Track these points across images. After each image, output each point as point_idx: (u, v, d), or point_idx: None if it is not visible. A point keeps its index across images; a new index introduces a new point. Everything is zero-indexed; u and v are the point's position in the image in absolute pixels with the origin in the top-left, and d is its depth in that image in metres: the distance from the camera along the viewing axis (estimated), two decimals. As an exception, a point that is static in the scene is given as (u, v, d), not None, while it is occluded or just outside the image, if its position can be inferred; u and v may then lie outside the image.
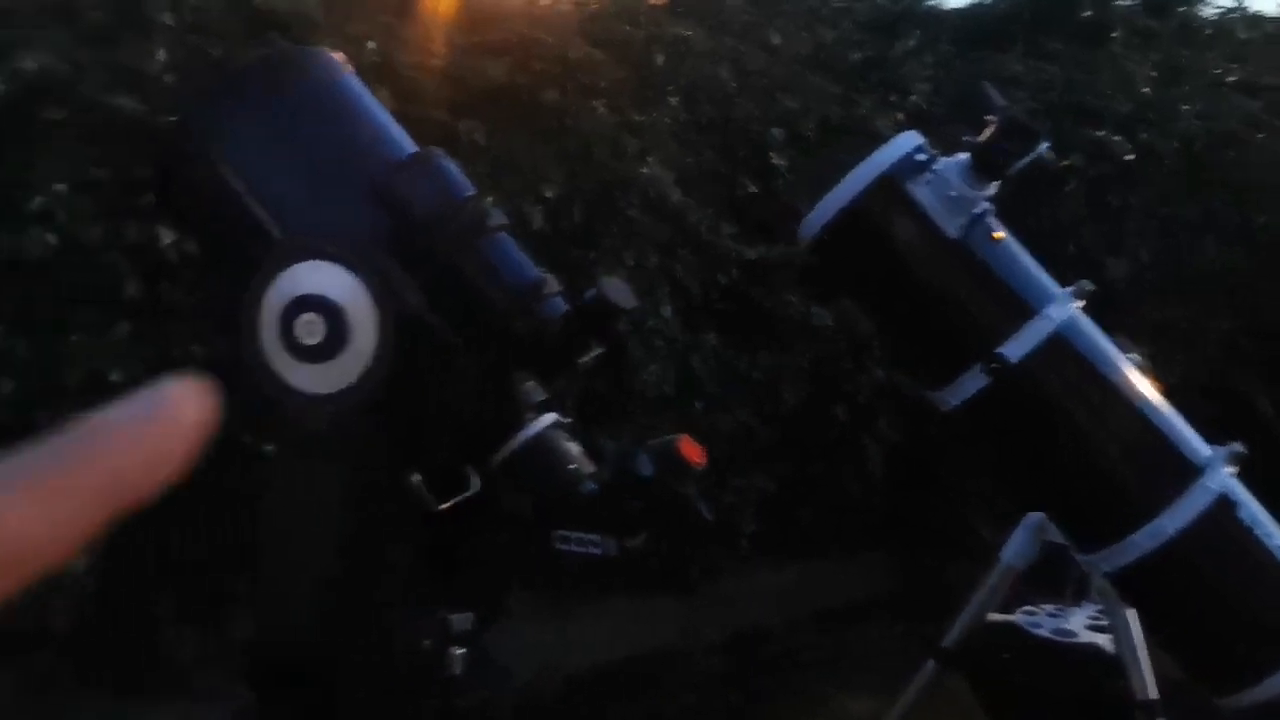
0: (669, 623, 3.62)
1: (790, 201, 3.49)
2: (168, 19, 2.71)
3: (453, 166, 1.16)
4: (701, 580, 3.60)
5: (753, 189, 3.60)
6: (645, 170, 3.31)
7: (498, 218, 1.14)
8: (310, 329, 1.07)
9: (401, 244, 1.11)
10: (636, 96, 3.47)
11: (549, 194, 3.09)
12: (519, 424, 1.17)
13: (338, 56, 1.30)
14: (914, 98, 4.00)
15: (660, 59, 3.60)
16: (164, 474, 0.22)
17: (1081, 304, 1.71)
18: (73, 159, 2.53)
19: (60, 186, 2.48)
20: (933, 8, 4.80)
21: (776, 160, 3.63)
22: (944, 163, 1.70)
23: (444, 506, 1.19)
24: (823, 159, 3.60)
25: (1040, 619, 2.14)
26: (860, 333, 3.60)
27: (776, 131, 3.67)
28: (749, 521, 3.58)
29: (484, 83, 3.14)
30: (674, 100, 3.55)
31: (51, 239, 2.46)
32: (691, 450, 1.15)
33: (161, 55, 2.66)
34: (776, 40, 4.01)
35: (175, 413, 0.23)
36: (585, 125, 3.27)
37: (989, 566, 2.16)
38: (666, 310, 3.32)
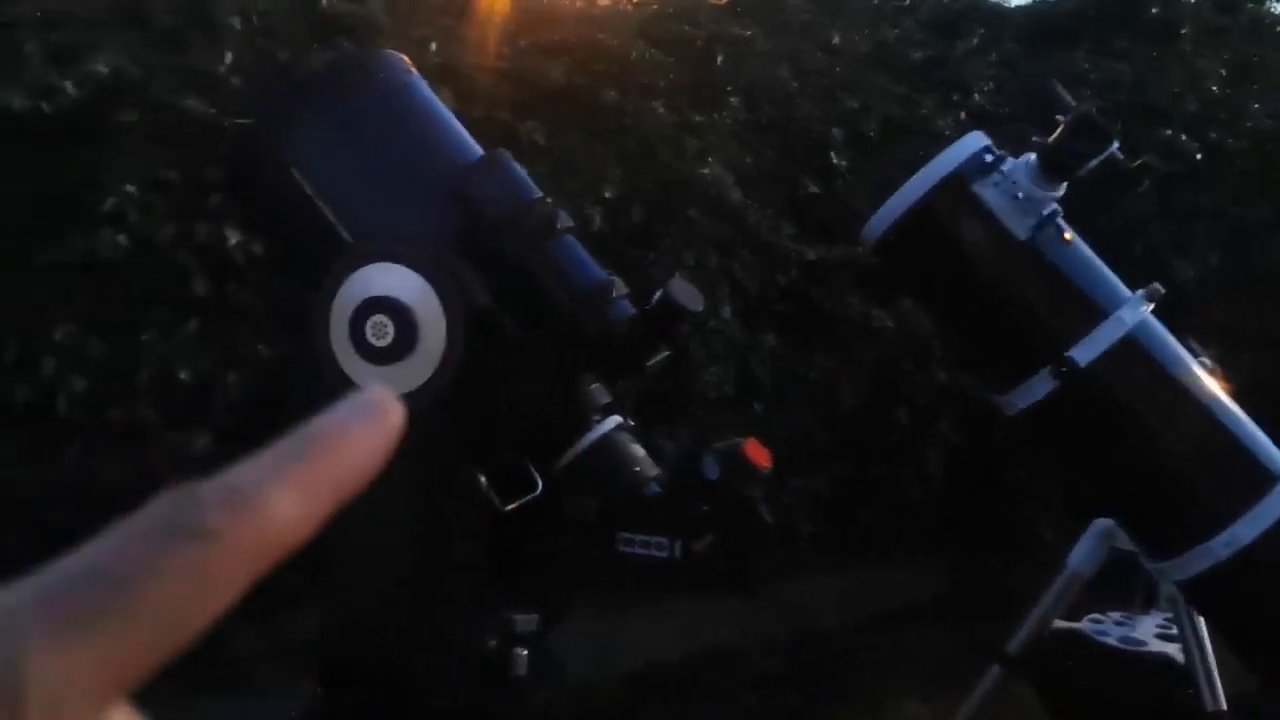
0: (728, 623, 3.61)
1: (851, 202, 3.47)
2: (236, 23, 2.75)
3: (520, 169, 1.16)
4: (761, 581, 3.59)
5: (813, 189, 3.58)
6: (705, 170, 3.31)
7: (565, 220, 1.14)
8: (380, 330, 1.08)
9: (470, 246, 1.11)
10: (696, 97, 3.47)
11: (608, 194, 3.10)
12: (584, 426, 1.17)
13: (403, 59, 1.31)
14: (977, 97, 3.96)
15: (720, 59, 3.59)
16: (375, 468, 0.26)
17: (1152, 306, 1.68)
18: (143, 160, 2.58)
19: (131, 188, 2.53)
20: (996, 6, 4.75)
21: (837, 160, 3.61)
22: (1012, 163, 1.67)
23: (510, 507, 1.20)
24: (885, 160, 3.58)
25: (1107, 627, 2.11)
26: (921, 334, 3.57)
27: (837, 131, 3.65)
28: (808, 523, 3.56)
29: (544, 84, 3.16)
30: (734, 100, 3.55)
31: (123, 240, 2.51)
32: (757, 453, 1.14)
33: (229, 58, 2.70)
34: (837, 40, 3.98)
35: (384, 416, 0.26)
36: (645, 125, 3.28)
37: (1051, 570, 2.13)
38: (726, 311, 3.31)
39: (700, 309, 1.11)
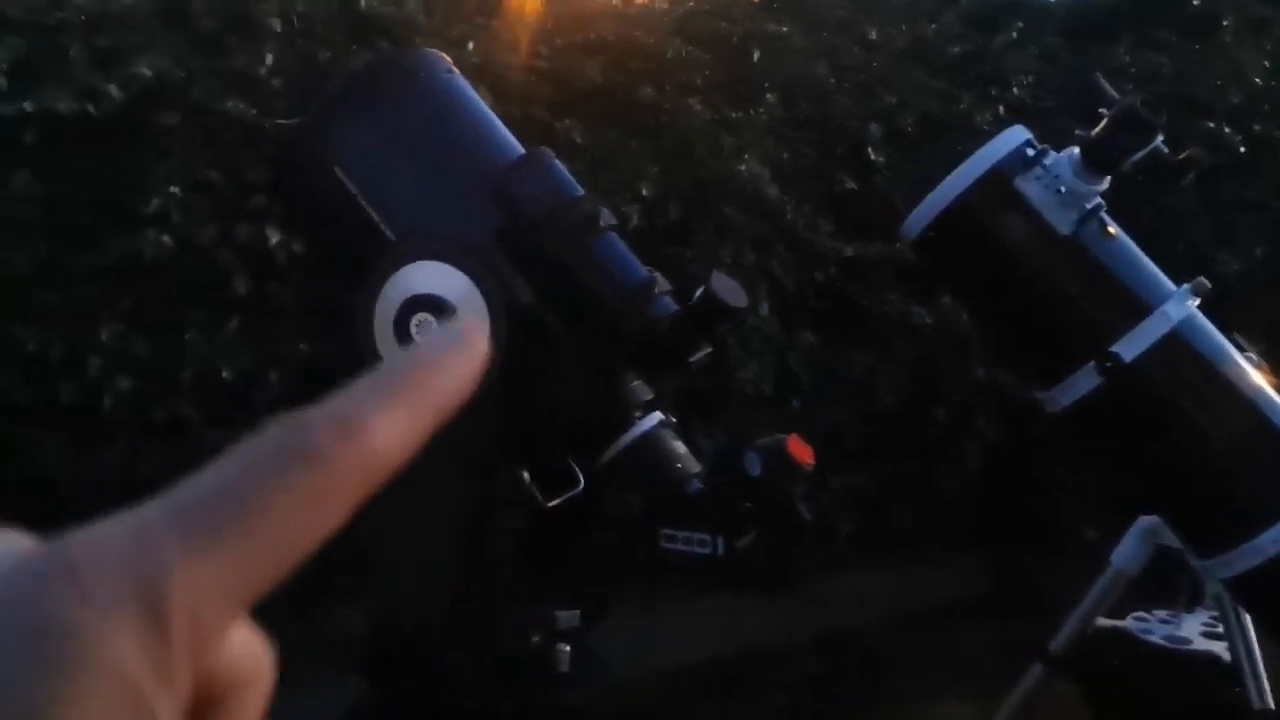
0: (764, 622, 3.60)
1: (889, 198, 3.45)
2: (275, 24, 2.77)
3: (562, 167, 1.17)
4: (797, 579, 3.58)
5: (851, 185, 3.57)
6: (742, 167, 3.30)
7: (607, 218, 1.14)
8: (424, 328, 1.09)
9: (513, 243, 1.12)
10: (733, 93, 3.46)
11: (645, 192, 3.10)
12: (626, 423, 1.17)
13: (444, 58, 1.32)
14: (1016, 91, 3.93)
15: (757, 55, 3.58)
16: (466, 391, 0.27)
17: (1198, 301, 1.66)
18: (186, 162, 2.61)
19: (174, 189, 2.56)
20: (1036, 0, 4.70)
21: (875, 157, 3.59)
22: (1054, 157, 1.66)
23: (552, 504, 1.20)
24: (924, 155, 3.55)
25: (1152, 625, 2.08)
26: (960, 331, 3.54)
27: (875, 127, 3.63)
28: (845, 521, 3.55)
29: (581, 82, 3.16)
30: (771, 97, 3.54)
31: (166, 240, 2.54)
32: (801, 450, 1.14)
33: (269, 60, 2.73)
34: (874, 35, 3.96)
35: (473, 343, 0.27)
36: (682, 123, 3.27)
37: (1092, 568, 2.11)
38: (764, 308, 3.30)
39: (743, 306, 1.10)
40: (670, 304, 1.13)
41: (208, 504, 0.23)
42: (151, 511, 0.23)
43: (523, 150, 1.22)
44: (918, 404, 3.68)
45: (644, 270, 1.15)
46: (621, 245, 1.17)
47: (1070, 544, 3.72)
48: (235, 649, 0.25)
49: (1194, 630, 2.05)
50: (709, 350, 1.13)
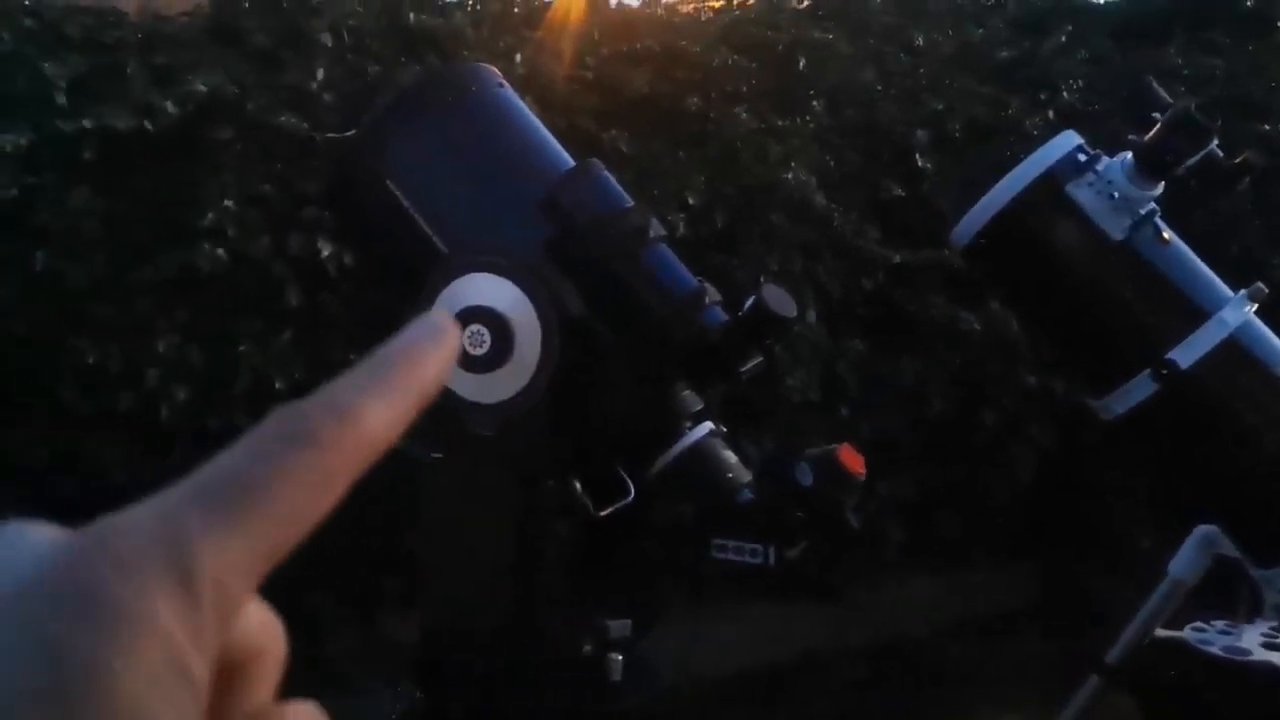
0: (813, 630, 3.59)
1: (936, 204, 3.43)
2: (327, 40, 2.81)
3: (612, 178, 1.17)
4: (846, 587, 3.56)
5: (898, 192, 3.55)
6: (788, 175, 3.30)
7: (657, 228, 1.15)
8: (477, 339, 1.10)
9: (564, 254, 1.13)
10: (779, 101, 3.46)
11: (692, 200, 3.10)
12: (677, 432, 1.18)
13: (495, 72, 1.33)
14: (1065, 95, 3.88)
15: (802, 63, 3.57)
16: (443, 379, 0.29)
17: (1255, 307, 1.63)
18: (240, 176, 2.65)
19: (229, 202, 2.60)
20: (1084, 2, 4.65)
21: (922, 163, 3.57)
22: (1107, 163, 1.64)
23: (603, 513, 1.21)
24: (971, 160, 3.52)
25: (1210, 635, 2.04)
26: (1008, 337, 3.51)
27: (922, 133, 3.61)
28: (894, 528, 3.52)
29: (628, 92, 3.17)
30: (817, 104, 3.53)
31: (221, 253, 2.58)
32: (852, 460, 1.14)
33: (321, 74, 2.77)
34: (920, 41, 3.94)
35: (446, 334, 0.30)
36: (728, 131, 3.28)
37: (1144, 576, 2.08)
38: (811, 315, 3.29)
39: (793, 315, 1.10)
40: (720, 314, 1.13)
41: (223, 486, 0.25)
42: (174, 495, 0.25)
43: (573, 162, 1.23)
44: (967, 410, 3.65)
45: (694, 280, 1.16)
46: (671, 255, 1.17)
47: (1124, 552, 3.67)
48: (251, 621, 0.27)
49: (1254, 641, 2.01)
50: (760, 360, 1.13)
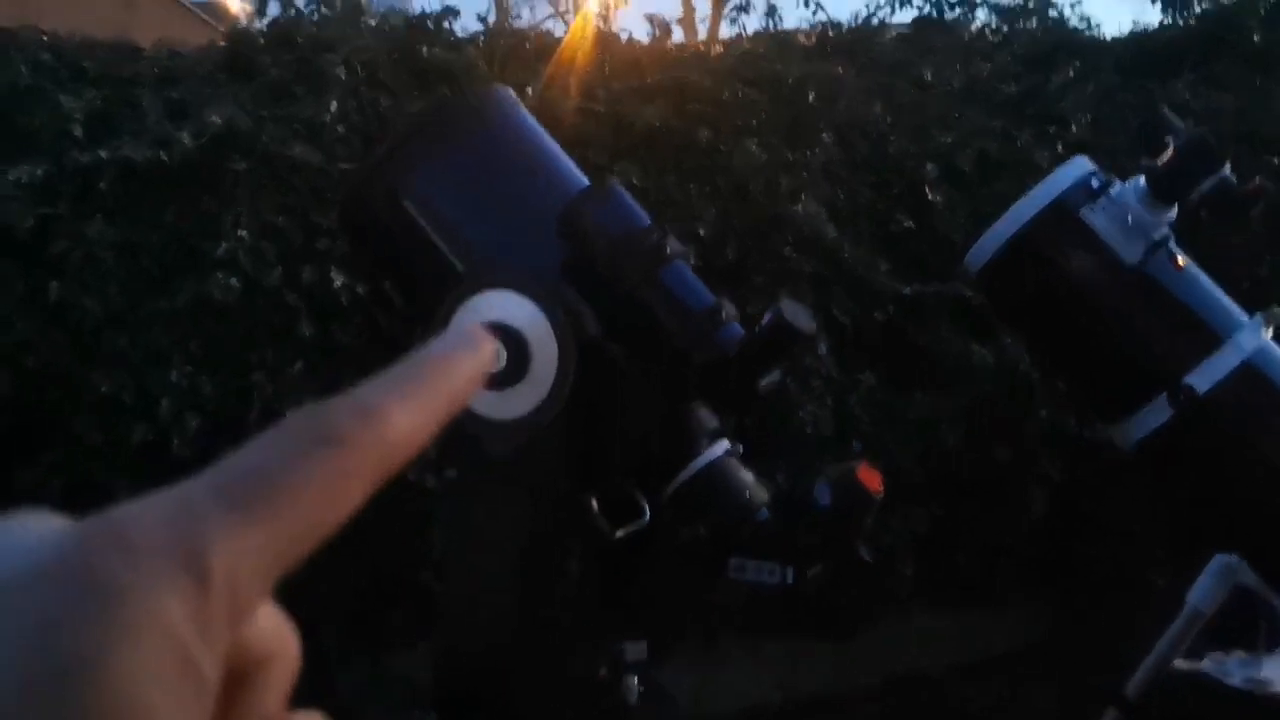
0: (824, 666, 3.55)
1: (947, 237, 3.43)
2: (340, 73, 2.84)
3: (630, 197, 1.17)
4: (858, 625, 3.53)
5: (908, 224, 3.55)
6: (799, 207, 3.30)
7: (675, 245, 1.15)
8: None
9: (581, 273, 1.13)
10: (789, 135, 3.48)
11: (703, 233, 3.11)
12: (694, 451, 1.17)
13: (511, 93, 1.34)
14: (1075, 129, 3.90)
15: (812, 97, 3.59)
16: (474, 390, 0.29)
17: (1271, 331, 1.62)
18: (253, 207, 2.67)
19: (243, 233, 2.61)
20: (1092, 38, 4.67)
21: (932, 196, 3.58)
22: (1120, 188, 1.64)
23: (619, 534, 1.20)
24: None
25: (1230, 666, 2.02)
26: (1021, 371, 3.50)
27: (931, 166, 3.62)
28: (907, 564, 3.49)
29: (639, 125, 3.19)
30: (827, 137, 3.54)
31: (234, 283, 2.59)
32: (870, 478, 1.13)
33: (334, 107, 2.79)
34: (929, 75, 3.96)
35: (480, 345, 0.30)
36: (738, 164, 3.29)
37: (1159, 614, 2.05)
38: (822, 348, 3.29)
39: (812, 330, 1.10)
40: (738, 329, 1.13)
41: (242, 482, 0.24)
42: (191, 487, 0.25)
43: (588, 183, 1.24)
44: (979, 444, 3.63)
45: (711, 296, 1.16)
46: (689, 272, 1.17)
47: (1138, 589, 3.63)
48: (263, 625, 0.26)
49: (1275, 672, 1.98)
50: (777, 377, 1.12)
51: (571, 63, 3.34)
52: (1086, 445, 3.59)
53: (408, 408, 0.26)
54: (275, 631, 0.27)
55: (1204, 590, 1.99)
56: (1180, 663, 2.04)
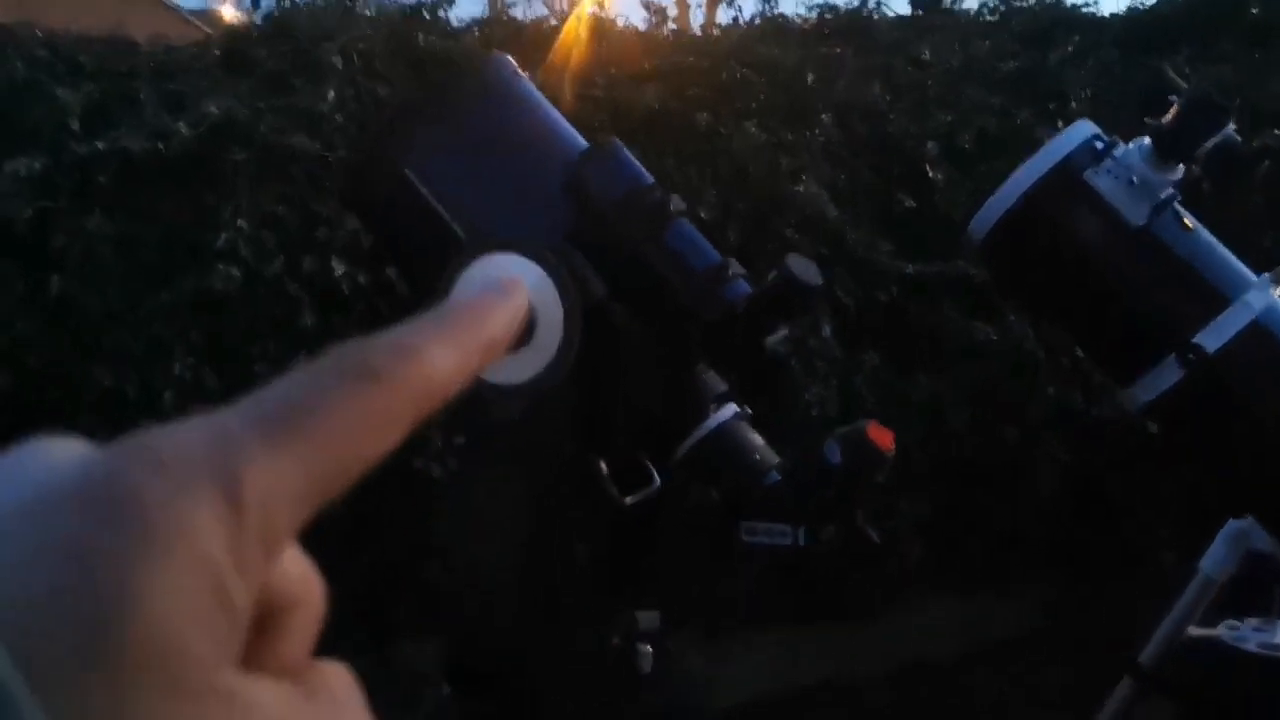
0: (832, 654, 3.54)
1: (948, 215, 3.42)
2: (338, 62, 2.83)
3: (632, 156, 1.16)
4: (865, 610, 3.52)
5: (909, 204, 3.54)
6: (800, 189, 3.29)
7: (678, 204, 1.14)
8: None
9: (585, 234, 1.12)
10: (789, 116, 3.46)
11: (704, 215, 3.10)
12: (702, 414, 1.16)
13: (510, 60, 1.33)
14: (1074, 105, 3.88)
15: (811, 78, 3.58)
16: (511, 335, 0.29)
17: (1280, 291, 1.61)
18: (253, 197, 2.66)
19: (242, 223, 2.60)
20: (1090, 14, 4.65)
21: (933, 174, 3.57)
22: (1124, 149, 1.63)
23: (629, 501, 1.19)
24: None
25: (1245, 632, 2.01)
26: (1025, 349, 3.49)
27: (932, 145, 3.61)
28: (915, 547, 3.48)
29: (638, 109, 3.18)
30: (826, 118, 3.53)
31: (235, 274, 2.58)
32: (881, 436, 1.12)
33: (331, 96, 2.78)
34: (927, 55, 3.95)
35: (517, 293, 0.30)
36: (738, 146, 3.28)
37: (1172, 592, 2.04)
38: (826, 330, 3.28)
39: (819, 284, 1.09)
40: (745, 286, 1.12)
41: (277, 411, 0.24)
42: (225, 415, 0.24)
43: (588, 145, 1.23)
44: (985, 426, 3.62)
45: (717, 254, 1.15)
46: (693, 230, 1.16)
47: (1148, 566, 3.61)
48: (292, 570, 0.26)
49: (1290, 636, 1.97)
50: (785, 333, 1.11)
51: (570, 48, 3.33)
52: (1093, 423, 3.58)
53: (444, 349, 0.27)
54: (302, 577, 0.26)
55: (1216, 557, 1.98)
56: (1195, 630, 2.03)
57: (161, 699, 0.21)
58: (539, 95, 1.28)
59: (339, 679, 0.26)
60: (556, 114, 1.28)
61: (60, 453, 0.24)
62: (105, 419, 2.56)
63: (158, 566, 0.21)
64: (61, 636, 0.20)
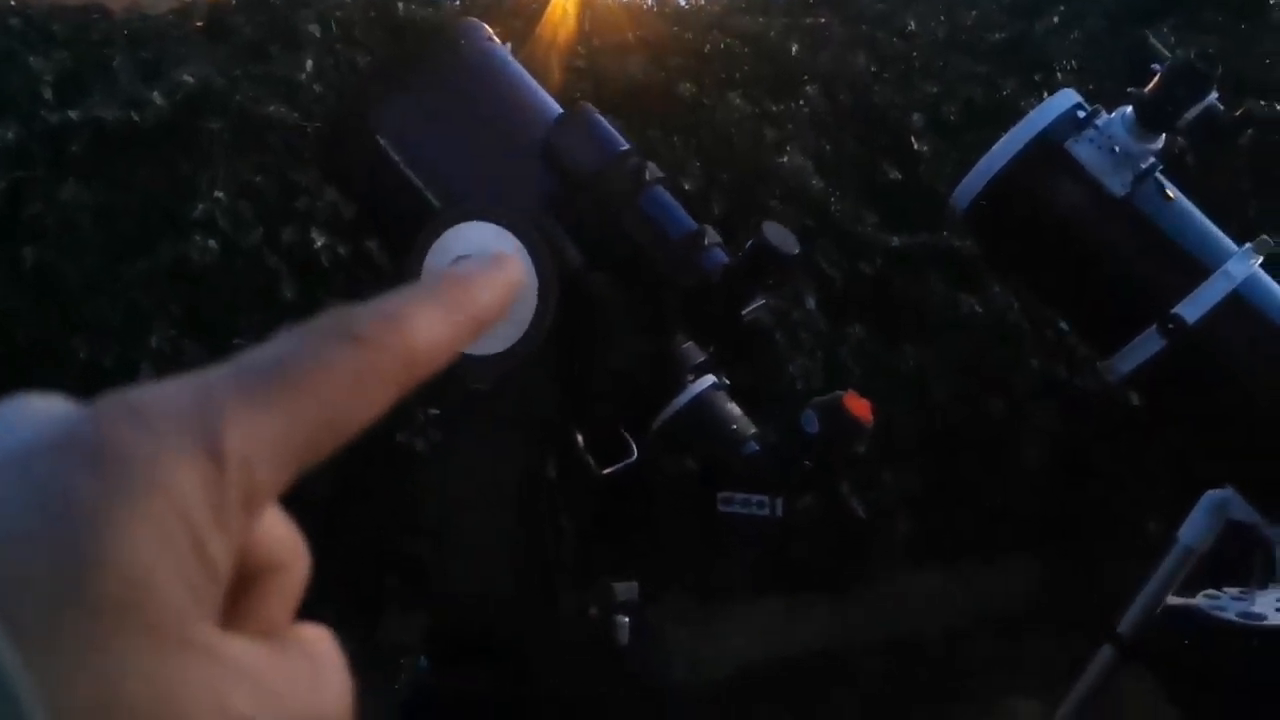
0: (821, 625, 3.55)
1: (933, 186, 3.41)
2: (315, 31, 2.79)
3: (605, 122, 1.15)
4: (852, 581, 3.53)
5: (894, 175, 3.53)
6: (784, 160, 3.28)
7: (654, 171, 1.12)
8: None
9: (560, 201, 1.10)
10: (773, 87, 3.44)
11: (688, 187, 3.08)
12: (679, 385, 1.15)
13: (484, 27, 1.31)
14: (1060, 76, 3.87)
15: (795, 49, 3.56)
16: (504, 309, 0.29)
17: (1260, 260, 1.61)
18: (230, 167, 2.63)
19: (220, 193, 2.57)
20: (1077, -16, 4.62)
21: (918, 146, 3.55)
22: (1106, 118, 1.62)
23: (607, 472, 1.18)
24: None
25: (1224, 602, 2.01)
26: (1009, 320, 3.49)
27: (917, 116, 3.59)
28: (902, 519, 3.49)
29: (621, 80, 3.16)
30: (811, 89, 3.51)
31: (213, 245, 2.56)
32: (858, 406, 1.11)
33: (310, 65, 2.75)
34: (912, 25, 3.93)
35: (509, 266, 0.30)
36: (722, 117, 3.26)
37: (1156, 560, 2.05)
38: (810, 302, 3.27)
39: (796, 252, 1.08)
40: (721, 255, 1.11)
41: (261, 370, 0.24)
42: (209, 373, 0.24)
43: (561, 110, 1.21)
44: (970, 397, 3.62)
45: (693, 222, 1.13)
46: (669, 197, 1.15)
47: (1135, 536, 3.63)
48: (275, 532, 0.26)
49: (1269, 606, 1.98)
50: (762, 302, 1.10)
51: (552, 18, 3.29)
52: (1079, 394, 3.59)
53: (432, 319, 0.27)
54: (286, 540, 0.26)
55: (1195, 527, 1.98)
56: (1173, 599, 2.04)
57: (137, 646, 0.21)
58: (514, 62, 1.26)
59: (320, 642, 0.26)
60: (531, 80, 1.26)
61: (43, 406, 0.24)
62: (84, 388, 2.54)
63: (136, 515, 0.21)
64: (38, 579, 0.20)
